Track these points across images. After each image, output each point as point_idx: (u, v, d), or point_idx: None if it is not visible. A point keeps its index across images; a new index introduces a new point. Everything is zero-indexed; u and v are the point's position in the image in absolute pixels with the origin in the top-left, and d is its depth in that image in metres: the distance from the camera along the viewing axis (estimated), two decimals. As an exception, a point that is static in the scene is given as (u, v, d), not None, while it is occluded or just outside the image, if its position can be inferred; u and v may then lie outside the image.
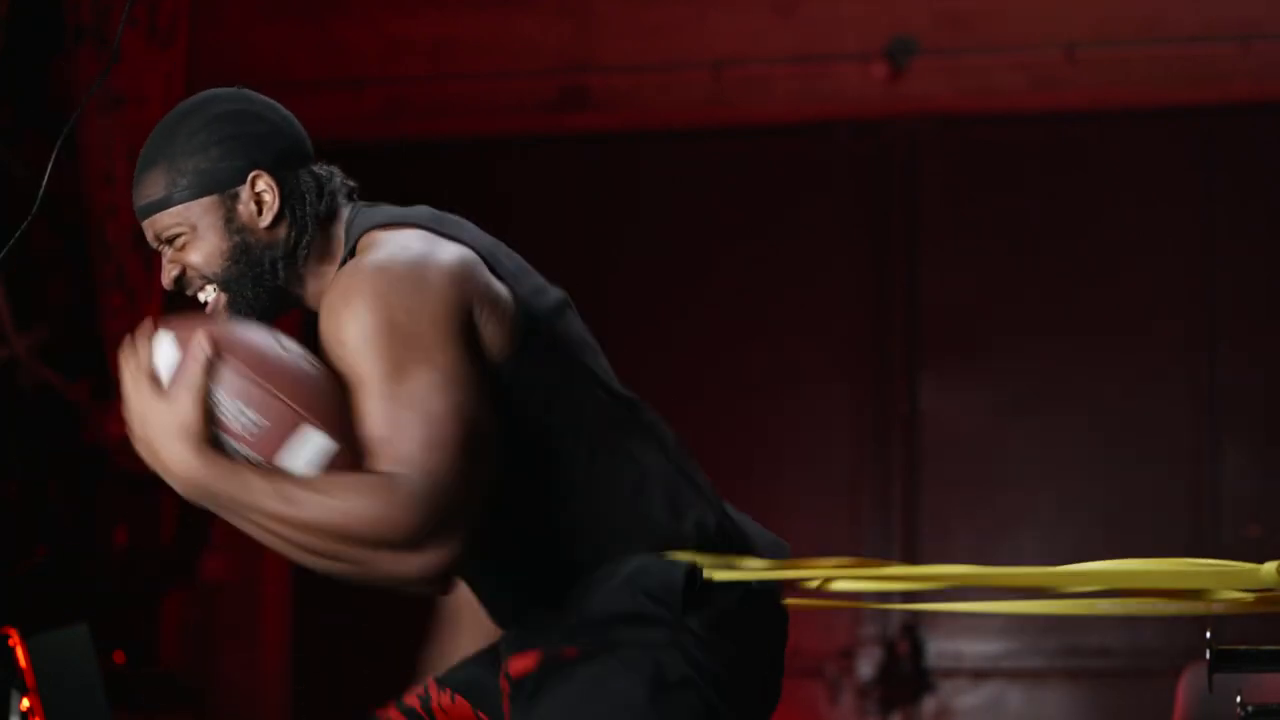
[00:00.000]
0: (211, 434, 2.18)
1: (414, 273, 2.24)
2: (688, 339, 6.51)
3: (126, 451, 6.28)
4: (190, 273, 2.40)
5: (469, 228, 2.42)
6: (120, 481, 6.17)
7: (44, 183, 2.60)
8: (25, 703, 3.61)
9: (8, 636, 3.64)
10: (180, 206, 2.37)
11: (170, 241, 2.40)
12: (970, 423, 6.43)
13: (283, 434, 2.20)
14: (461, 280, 2.27)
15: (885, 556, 6.36)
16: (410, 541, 2.13)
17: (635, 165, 6.68)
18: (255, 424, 2.20)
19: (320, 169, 2.42)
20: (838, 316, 6.52)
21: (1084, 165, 6.47)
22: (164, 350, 2.23)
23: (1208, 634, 2.39)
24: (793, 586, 2.46)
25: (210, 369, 2.20)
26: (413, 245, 2.29)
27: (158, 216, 2.39)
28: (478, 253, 2.35)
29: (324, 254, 2.40)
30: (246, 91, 2.44)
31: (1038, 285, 6.43)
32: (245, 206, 2.36)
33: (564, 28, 6.54)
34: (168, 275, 2.42)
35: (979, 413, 6.43)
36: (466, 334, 2.24)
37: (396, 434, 2.16)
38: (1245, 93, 6.23)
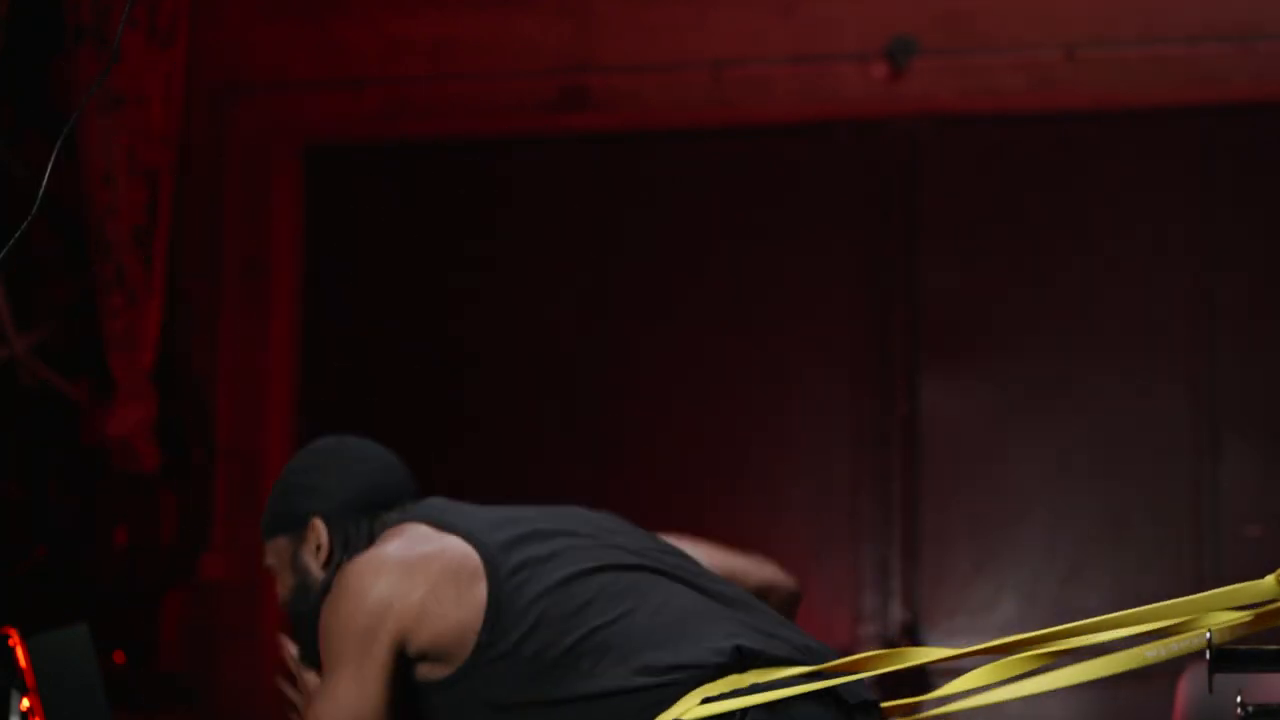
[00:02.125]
0: None
1: (348, 603, 2.62)
2: (687, 338, 6.51)
3: (126, 451, 6.31)
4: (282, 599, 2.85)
5: (466, 512, 2.65)
6: (120, 481, 6.17)
7: (44, 183, 2.60)
8: (25, 703, 3.61)
9: (8, 636, 3.64)
10: (268, 542, 2.82)
11: (269, 569, 2.85)
12: (970, 423, 6.43)
13: None
14: (384, 608, 2.58)
15: (885, 556, 6.37)
16: None
17: (635, 165, 6.68)
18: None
19: (389, 515, 2.72)
20: (838, 316, 6.52)
21: (1084, 165, 6.47)
22: None
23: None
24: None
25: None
26: (362, 576, 2.62)
27: (264, 547, 2.83)
28: (467, 537, 2.59)
29: None
30: (345, 439, 2.80)
31: (1038, 285, 6.43)
32: (308, 548, 2.75)
33: (564, 28, 6.54)
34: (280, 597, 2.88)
35: (979, 413, 6.43)
36: (382, 648, 2.58)
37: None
38: (1245, 93, 6.23)
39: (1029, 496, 6.35)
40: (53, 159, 2.60)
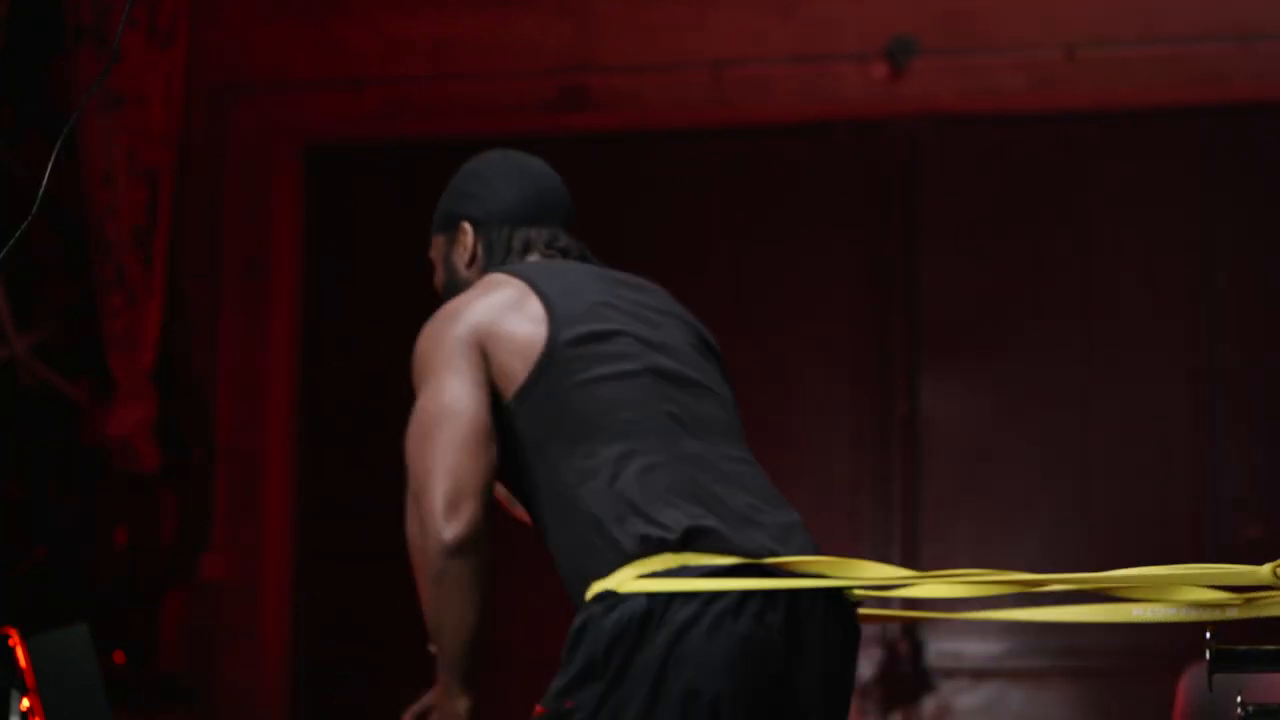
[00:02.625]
0: None
1: (443, 316, 2.80)
2: (688, 339, 6.50)
3: (126, 451, 6.31)
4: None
5: (566, 273, 2.84)
6: (120, 481, 6.18)
7: (44, 183, 2.60)
8: (25, 703, 3.61)
9: (8, 636, 3.64)
10: (433, 238, 3.05)
11: (431, 263, 3.04)
12: (970, 423, 6.43)
13: None
14: (474, 323, 2.75)
15: (885, 556, 6.37)
16: (421, 520, 2.61)
17: (635, 165, 6.68)
18: None
19: (532, 231, 2.96)
20: (838, 316, 6.52)
21: (1084, 165, 6.46)
22: None
23: (1208, 634, 2.39)
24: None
25: None
26: (466, 296, 2.82)
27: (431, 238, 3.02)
28: (543, 294, 2.76)
29: None
30: (510, 152, 3.19)
31: (1038, 285, 6.42)
32: (457, 250, 2.97)
33: (564, 28, 6.54)
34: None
35: (979, 413, 6.43)
36: (470, 359, 2.72)
37: (409, 425, 2.70)
38: (1245, 93, 6.23)
39: (1029, 496, 6.35)
40: (53, 159, 2.60)
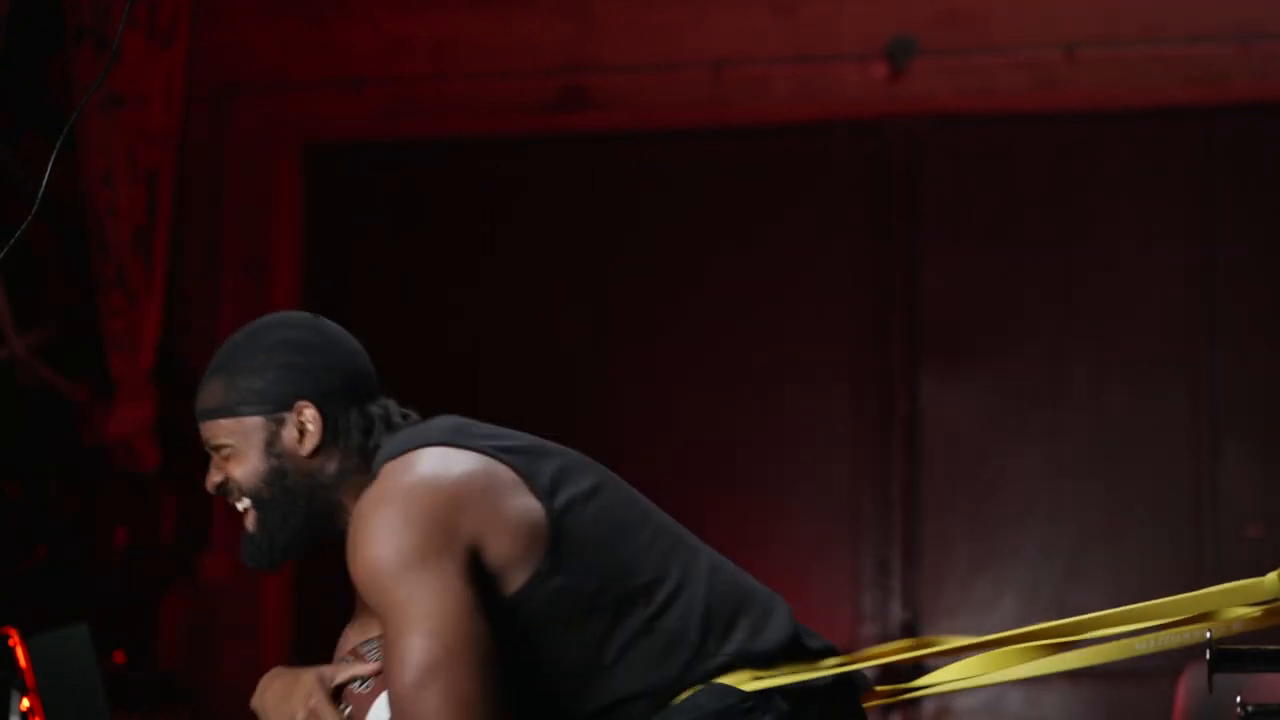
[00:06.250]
0: None
1: (404, 506, 2.33)
2: (687, 339, 6.51)
3: (126, 451, 6.31)
4: (230, 483, 2.49)
5: (500, 434, 2.48)
6: (120, 481, 6.18)
7: (44, 183, 2.60)
8: (25, 703, 3.61)
9: (8, 636, 3.64)
10: (230, 420, 2.47)
11: (218, 450, 2.49)
12: (970, 423, 6.43)
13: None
14: (456, 504, 2.35)
15: (885, 556, 6.37)
16: None
17: (635, 165, 6.68)
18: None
19: (374, 407, 2.51)
20: (837, 316, 6.52)
21: (1084, 165, 6.47)
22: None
23: (1208, 634, 2.39)
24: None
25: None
26: (411, 473, 2.37)
27: (210, 425, 2.49)
28: (503, 460, 2.41)
29: (361, 487, 2.46)
30: (322, 321, 2.55)
31: (1038, 285, 6.43)
32: (289, 433, 2.46)
33: (564, 28, 6.54)
34: (211, 480, 2.51)
35: (979, 413, 6.43)
36: (459, 554, 2.33)
37: (397, 668, 2.29)
38: (1245, 93, 6.23)
39: (1029, 496, 6.35)
40: (53, 159, 2.60)
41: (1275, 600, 2.28)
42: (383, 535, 2.31)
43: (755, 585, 2.52)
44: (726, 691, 2.38)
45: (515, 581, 2.35)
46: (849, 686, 2.50)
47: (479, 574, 2.33)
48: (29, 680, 3.62)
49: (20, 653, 3.62)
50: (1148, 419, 6.31)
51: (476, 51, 6.55)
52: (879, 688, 2.54)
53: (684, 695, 2.39)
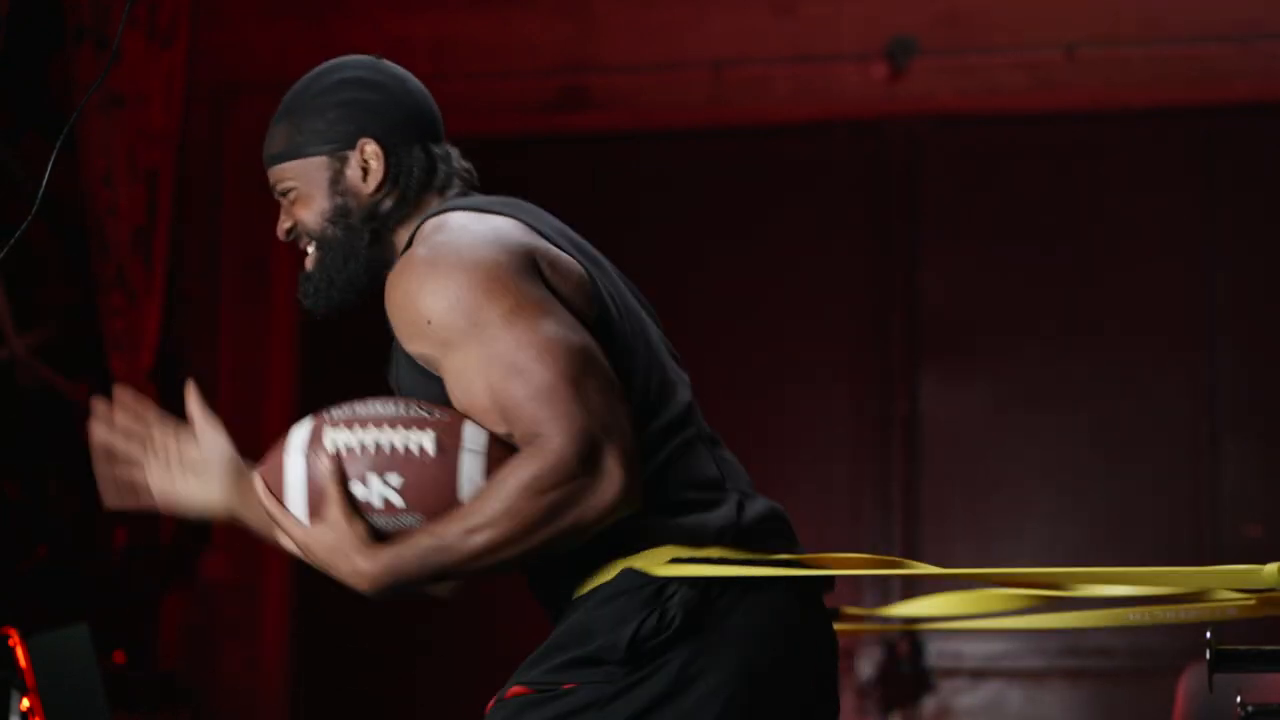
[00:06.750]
0: (371, 531, 2.22)
1: (482, 240, 2.28)
2: (687, 339, 6.47)
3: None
4: (299, 228, 2.47)
5: (560, 229, 2.45)
6: (120, 481, 6.16)
7: (44, 183, 2.60)
8: (25, 703, 3.61)
9: (8, 636, 3.64)
10: (295, 162, 2.45)
11: (285, 194, 2.47)
12: (970, 423, 6.43)
13: (439, 473, 2.22)
14: (528, 246, 2.30)
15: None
16: (586, 475, 2.16)
17: (635, 165, 6.68)
18: (402, 490, 2.22)
19: (438, 149, 2.50)
20: (837, 316, 6.52)
21: (1084, 165, 6.47)
22: (293, 467, 2.27)
23: (1208, 634, 2.39)
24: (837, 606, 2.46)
25: (336, 475, 2.25)
26: (477, 223, 2.33)
27: (277, 169, 2.47)
28: (552, 240, 2.37)
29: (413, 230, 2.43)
30: (382, 62, 2.52)
31: (1038, 285, 6.43)
32: (352, 170, 2.43)
33: (564, 28, 6.54)
34: (281, 226, 2.50)
35: (979, 413, 6.43)
36: (543, 281, 2.27)
37: (511, 391, 2.19)
38: (1245, 93, 6.23)
39: (1029, 496, 6.35)
40: (53, 159, 2.60)
41: (1272, 591, 2.27)
42: (462, 255, 2.24)
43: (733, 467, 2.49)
44: (636, 576, 2.30)
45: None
46: (807, 590, 2.41)
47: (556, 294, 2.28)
48: (29, 680, 3.62)
49: (20, 653, 3.63)
50: (1148, 419, 6.31)
51: (476, 51, 6.55)
52: (848, 609, 2.48)
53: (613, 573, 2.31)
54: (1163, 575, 2.31)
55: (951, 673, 6.36)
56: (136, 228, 6.09)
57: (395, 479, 2.23)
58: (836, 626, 2.53)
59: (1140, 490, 6.28)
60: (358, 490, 2.23)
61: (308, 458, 2.26)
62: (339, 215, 2.42)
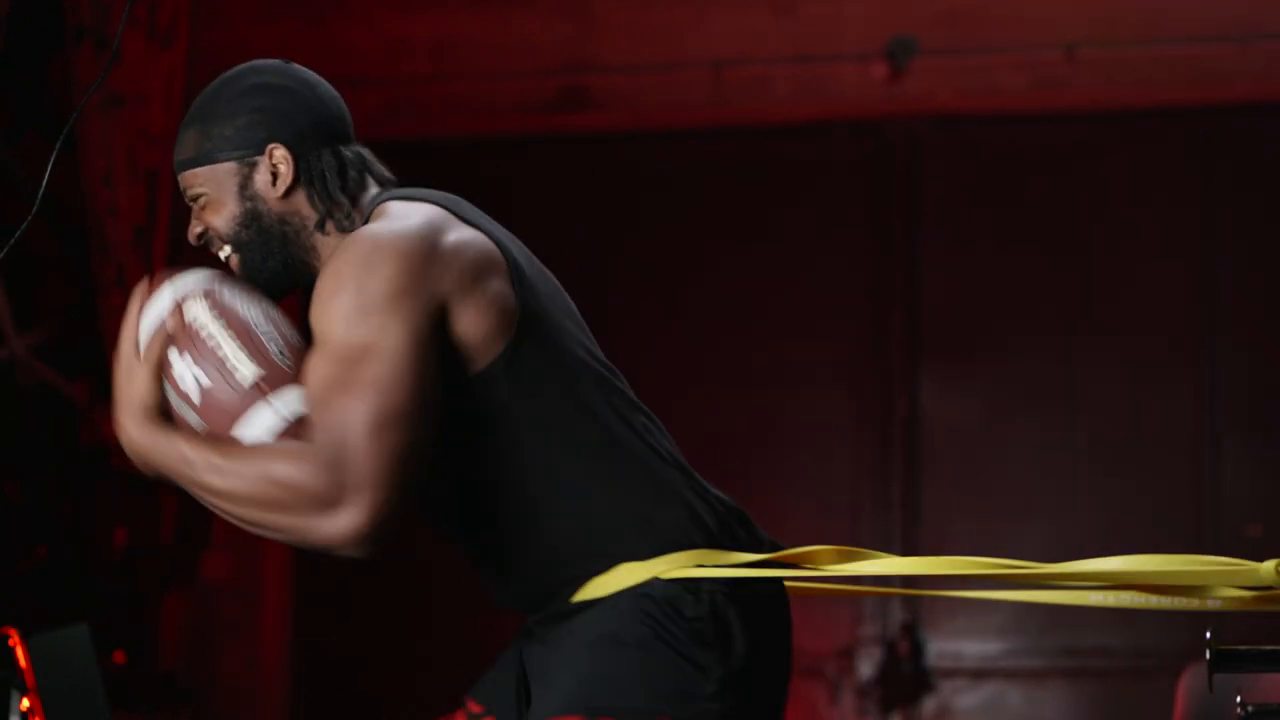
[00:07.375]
0: (159, 406, 2.32)
1: (390, 246, 2.29)
2: (687, 339, 6.51)
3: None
4: (210, 232, 2.50)
5: (482, 216, 2.47)
6: (120, 481, 6.17)
7: (44, 183, 2.61)
8: (25, 703, 3.62)
9: (8, 636, 3.64)
10: (205, 168, 2.46)
11: (195, 200, 2.50)
12: (970, 423, 6.43)
13: (237, 402, 2.30)
14: (438, 258, 2.31)
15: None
16: (323, 505, 2.20)
17: (635, 165, 6.69)
18: (203, 390, 2.31)
19: (348, 151, 2.52)
20: (838, 316, 6.52)
21: (1084, 165, 6.47)
22: (153, 312, 2.39)
23: (1208, 634, 2.39)
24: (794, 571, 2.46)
25: (170, 339, 2.34)
26: (404, 221, 2.34)
27: (187, 175, 2.49)
28: (489, 237, 2.39)
29: (341, 232, 2.45)
30: (290, 66, 2.56)
31: (1038, 285, 6.43)
32: (261, 176, 2.45)
33: (564, 28, 6.55)
34: (192, 231, 2.53)
35: (979, 413, 6.43)
36: (429, 311, 2.27)
37: (328, 399, 2.23)
38: (1245, 93, 6.23)
39: (1029, 496, 6.35)
40: (53, 159, 2.61)
41: (1268, 589, 2.28)
42: (355, 271, 2.27)
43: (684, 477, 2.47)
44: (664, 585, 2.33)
45: (477, 362, 2.32)
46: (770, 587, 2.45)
47: (437, 328, 2.28)
48: (29, 680, 3.62)
49: (20, 653, 3.63)
50: (1148, 419, 6.31)
51: (476, 51, 6.55)
52: (799, 572, 2.48)
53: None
54: (1160, 571, 2.31)
55: (951, 673, 6.37)
56: (136, 228, 6.09)
57: (204, 380, 2.32)
58: (803, 585, 2.55)
59: (1140, 490, 6.28)
60: (176, 362, 2.34)
61: (174, 305, 2.39)
62: (250, 219, 2.46)
